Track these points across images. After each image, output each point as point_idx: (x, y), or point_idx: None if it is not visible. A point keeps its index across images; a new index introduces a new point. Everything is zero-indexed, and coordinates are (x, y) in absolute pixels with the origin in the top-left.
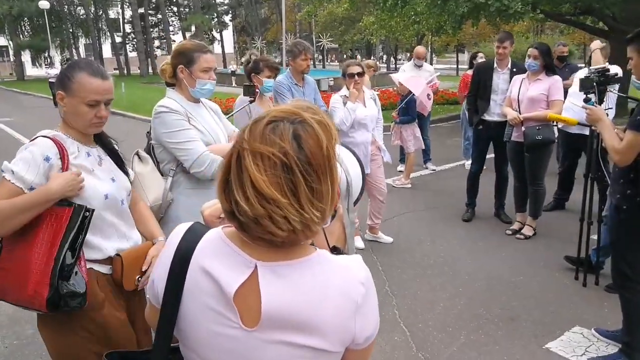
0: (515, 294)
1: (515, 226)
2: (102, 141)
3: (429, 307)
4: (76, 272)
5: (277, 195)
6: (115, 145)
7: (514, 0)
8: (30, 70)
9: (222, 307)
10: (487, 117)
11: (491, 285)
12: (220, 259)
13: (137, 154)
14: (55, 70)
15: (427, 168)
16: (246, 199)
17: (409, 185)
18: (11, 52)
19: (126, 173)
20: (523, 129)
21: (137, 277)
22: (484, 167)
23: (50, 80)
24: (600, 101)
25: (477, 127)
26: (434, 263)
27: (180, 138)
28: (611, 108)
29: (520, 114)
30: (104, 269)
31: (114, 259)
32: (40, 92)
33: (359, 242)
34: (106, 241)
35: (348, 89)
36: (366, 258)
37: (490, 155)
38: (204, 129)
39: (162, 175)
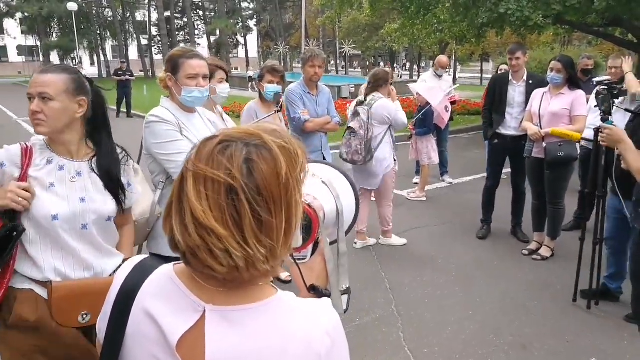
0: (528, 320)
1: (532, 246)
2: (103, 157)
3: (436, 331)
4: None
5: (216, 225)
6: (117, 164)
7: (535, 12)
8: None
9: (167, 357)
10: (502, 131)
11: (504, 309)
12: (166, 301)
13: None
14: (83, 71)
15: (443, 181)
16: (184, 227)
17: (424, 199)
18: (40, 52)
19: (117, 198)
20: (544, 144)
21: (82, 313)
22: (504, 177)
23: None
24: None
25: (492, 141)
26: (445, 283)
27: (170, 149)
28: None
29: (541, 129)
30: (43, 292)
31: (47, 286)
32: None
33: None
34: (55, 260)
35: (383, 95)
36: (374, 275)
37: (507, 170)
38: (197, 140)
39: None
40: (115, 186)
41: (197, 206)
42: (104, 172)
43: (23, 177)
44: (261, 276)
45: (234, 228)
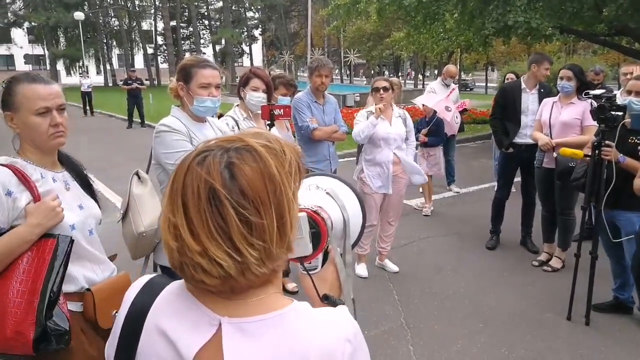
0: (541, 334)
1: (543, 257)
2: (69, 164)
3: (446, 344)
4: (57, 309)
5: (191, 240)
6: (82, 168)
7: (542, 24)
8: (65, 79)
9: None
10: (517, 139)
11: (515, 322)
12: (179, 317)
13: (137, 173)
14: (89, 80)
15: (450, 190)
16: (168, 245)
17: (432, 208)
18: (47, 61)
19: (95, 199)
20: (555, 154)
21: (114, 312)
22: (513, 190)
23: (82, 90)
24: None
25: (508, 149)
26: (454, 294)
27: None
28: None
29: (552, 138)
30: (75, 307)
31: (85, 295)
32: (73, 101)
33: (362, 271)
34: (82, 269)
35: (376, 104)
36: (382, 286)
37: (518, 179)
38: None
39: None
40: (92, 191)
41: (173, 220)
42: (81, 180)
43: (37, 196)
44: (259, 281)
45: (220, 237)
